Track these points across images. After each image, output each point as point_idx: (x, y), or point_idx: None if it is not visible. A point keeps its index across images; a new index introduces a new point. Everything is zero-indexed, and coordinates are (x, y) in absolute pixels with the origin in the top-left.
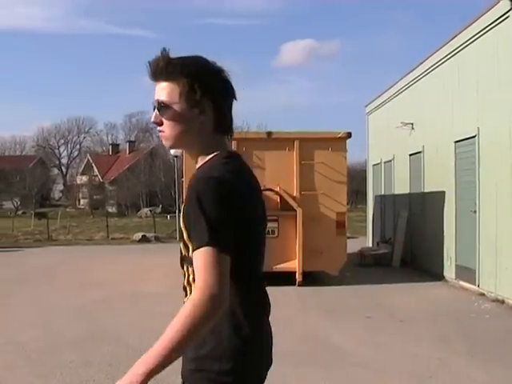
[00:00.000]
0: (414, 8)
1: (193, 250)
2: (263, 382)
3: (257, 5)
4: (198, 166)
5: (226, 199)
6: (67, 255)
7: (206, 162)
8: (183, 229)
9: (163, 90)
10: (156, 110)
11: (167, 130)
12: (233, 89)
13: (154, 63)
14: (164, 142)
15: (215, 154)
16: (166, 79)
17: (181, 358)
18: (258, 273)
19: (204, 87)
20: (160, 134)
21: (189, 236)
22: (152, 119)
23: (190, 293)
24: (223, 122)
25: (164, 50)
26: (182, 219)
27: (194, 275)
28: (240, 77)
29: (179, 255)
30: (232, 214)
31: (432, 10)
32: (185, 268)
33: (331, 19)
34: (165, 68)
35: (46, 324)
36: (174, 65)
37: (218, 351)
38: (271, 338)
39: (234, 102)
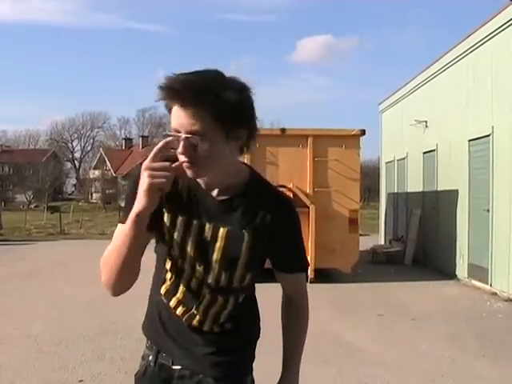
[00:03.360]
0: (432, 5)
1: (294, 271)
2: None
3: (271, 1)
4: (228, 179)
5: None
6: (80, 249)
7: (256, 177)
8: (254, 254)
9: (194, 118)
10: (186, 140)
11: (201, 161)
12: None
13: (181, 86)
14: (193, 174)
15: (246, 167)
16: (196, 106)
17: None
18: None
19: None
20: (189, 164)
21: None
22: (181, 150)
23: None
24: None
25: (189, 73)
26: (254, 244)
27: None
28: (254, 73)
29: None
30: None
31: (451, 7)
32: (228, 298)
33: (350, 15)
34: (196, 93)
35: (59, 317)
36: (205, 90)
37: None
38: None
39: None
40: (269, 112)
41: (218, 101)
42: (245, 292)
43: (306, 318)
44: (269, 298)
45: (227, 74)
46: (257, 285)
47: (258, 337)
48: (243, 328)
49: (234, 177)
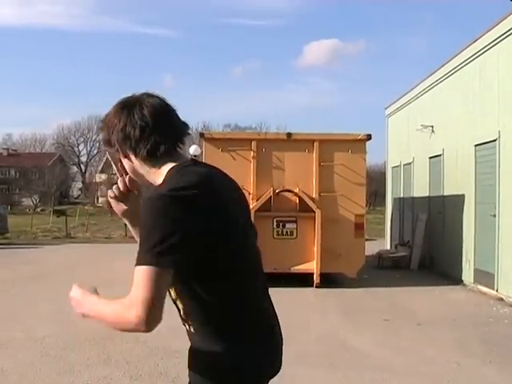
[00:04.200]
0: (439, 9)
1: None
2: None
3: (279, 5)
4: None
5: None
6: (86, 253)
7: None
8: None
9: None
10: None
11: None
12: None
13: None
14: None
15: (168, 172)
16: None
17: None
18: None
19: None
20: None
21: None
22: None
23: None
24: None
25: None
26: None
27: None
28: (261, 77)
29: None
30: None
31: (458, 11)
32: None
33: (356, 19)
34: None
35: (65, 321)
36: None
37: None
38: None
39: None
40: (275, 116)
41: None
42: (182, 302)
43: (123, 310)
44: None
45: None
46: (271, 289)
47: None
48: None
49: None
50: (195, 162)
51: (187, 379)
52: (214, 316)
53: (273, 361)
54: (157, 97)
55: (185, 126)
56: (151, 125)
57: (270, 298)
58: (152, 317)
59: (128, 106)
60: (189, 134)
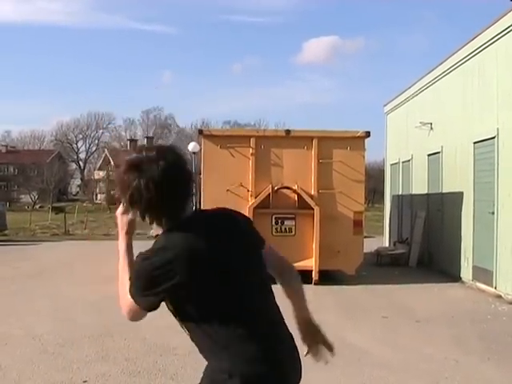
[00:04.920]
0: (439, 7)
1: None
2: None
3: (278, 1)
4: None
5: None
6: (84, 250)
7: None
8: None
9: None
10: None
11: None
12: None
13: None
14: None
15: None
16: None
17: None
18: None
19: None
20: None
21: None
22: None
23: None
24: None
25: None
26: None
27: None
28: (259, 74)
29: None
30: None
31: (457, 9)
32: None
33: (356, 16)
34: None
35: (64, 318)
36: None
37: None
38: None
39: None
40: (274, 113)
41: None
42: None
43: (123, 296)
44: None
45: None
46: None
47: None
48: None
49: None
50: (187, 221)
51: (185, 376)
52: (203, 347)
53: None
54: (169, 157)
55: (189, 190)
56: (156, 199)
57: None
58: (133, 319)
59: (138, 170)
60: (192, 195)
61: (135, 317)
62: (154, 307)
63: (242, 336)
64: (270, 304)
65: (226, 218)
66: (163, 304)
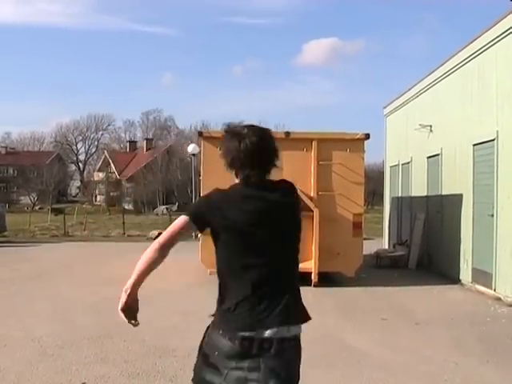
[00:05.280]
0: (439, 9)
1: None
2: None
3: (278, 3)
4: None
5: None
6: (84, 251)
7: None
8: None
9: None
10: None
11: None
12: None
13: None
14: None
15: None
16: None
17: None
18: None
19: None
20: None
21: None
22: None
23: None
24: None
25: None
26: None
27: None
28: (260, 75)
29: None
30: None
31: (458, 11)
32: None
33: (356, 18)
34: None
35: (63, 319)
36: None
37: None
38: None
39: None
40: (273, 115)
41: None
42: None
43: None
44: None
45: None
46: None
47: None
48: None
49: None
50: (246, 183)
51: (184, 378)
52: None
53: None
54: (256, 134)
55: (267, 162)
56: (243, 161)
57: (284, 277)
58: (162, 239)
59: (233, 136)
60: (275, 166)
61: (170, 238)
62: (197, 217)
63: (239, 284)
64: (278, 270)
65: (274, 192)
66: (160, 304)
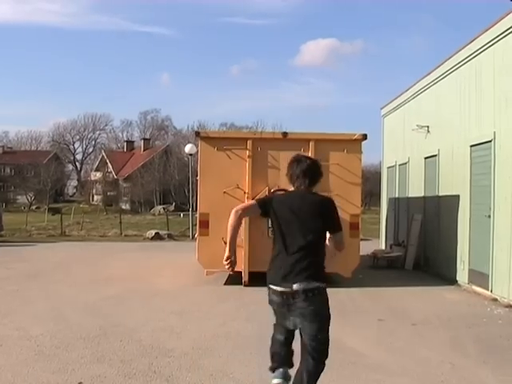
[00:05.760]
0: (437, 10)
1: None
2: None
3: (276, 4)
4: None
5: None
6: (80, 251)
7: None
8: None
9: None
10: None
11: None
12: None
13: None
14: None
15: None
16: None
17: None
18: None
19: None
20: None
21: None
22: None
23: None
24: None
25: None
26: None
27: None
28: (257, 76)
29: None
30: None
31: (456, 12)
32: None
33: (354, 19)
34: None
35: (59, 319)
36: None
37: None
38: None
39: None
40: (271, 115)
41: None
42: None
43: None
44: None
45: None
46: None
47: None
48: None
49: None
50: (294, 192)
51: (180, 378)
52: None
53: (287, 274)
54: (308, 161)
55: (310, 180)
56: (293, 175)
57: (307, 253)
58: (237, 207)
59: (294, 162)
60: (316, 181)
61: (239, 214)
62: (261, 205)
63: (278, 255)
64: (304, 254)
65: (312, 198)
66: (157, 304)
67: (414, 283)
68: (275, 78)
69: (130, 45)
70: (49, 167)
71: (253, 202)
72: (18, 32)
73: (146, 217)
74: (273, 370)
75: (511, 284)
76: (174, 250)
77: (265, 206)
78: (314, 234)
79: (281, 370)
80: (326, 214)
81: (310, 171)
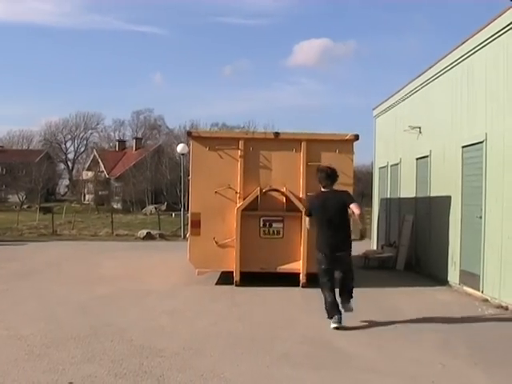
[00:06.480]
0: (430, 12)
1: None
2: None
3: (269, 4)
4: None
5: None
6: (72, 250)
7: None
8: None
9: None
10: None
11: None
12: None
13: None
14: None
15: None
16: None
17: None
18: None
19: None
20: None
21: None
22: None
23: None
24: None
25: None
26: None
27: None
28: (250, 76)
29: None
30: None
31: (448, 14)
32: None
33: (347, 20)
34: None
35: (50, 319)
36: None
37: None
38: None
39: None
40: (263, 115)
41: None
42: None
43: None
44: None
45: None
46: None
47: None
48: None
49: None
50: (325, 190)
51: (171, 378)
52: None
53: (327, 247)
54: (328, 170)
55: (330, 182)
56: (320, 179)
57: (337, 231)
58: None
59: (319, 170)
60: (334, 181)
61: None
62: (307, 214)
63: (321, 235)
64: (335, 232)
65: (333, 193)
66: (148, 304)
67: (405, 284)
68: (268, 79)
69: (122, 44)
70: (40, 166)
71: (307, 218)
72: (10, 31)
73: (138, 216)
74: (330, 317)
75: (502, 284)
76: (165, 250)
77: (310, 212)
78: (341, 220)
79: (336, 316)
80: (345, 197)
81: (331, 175)
